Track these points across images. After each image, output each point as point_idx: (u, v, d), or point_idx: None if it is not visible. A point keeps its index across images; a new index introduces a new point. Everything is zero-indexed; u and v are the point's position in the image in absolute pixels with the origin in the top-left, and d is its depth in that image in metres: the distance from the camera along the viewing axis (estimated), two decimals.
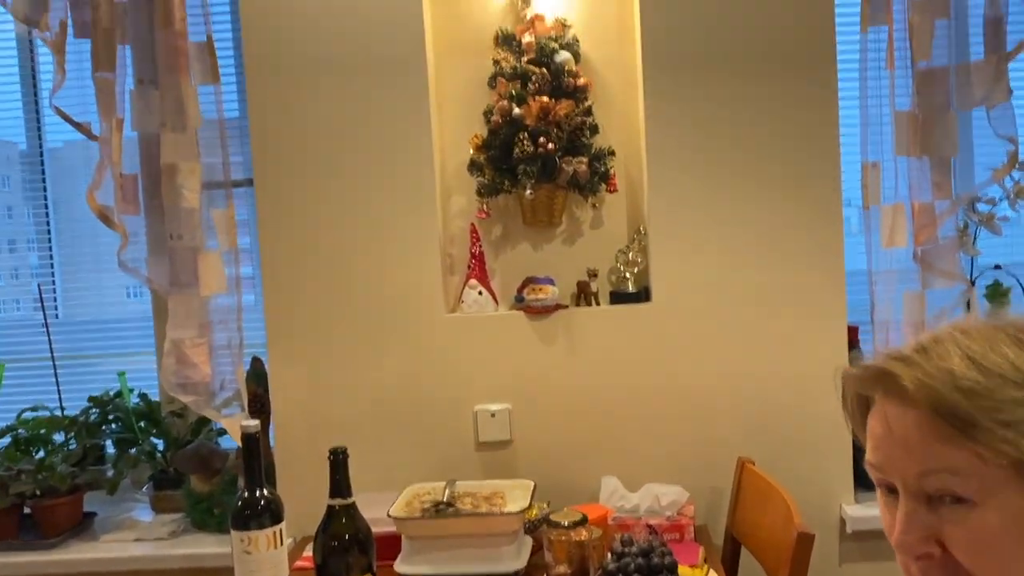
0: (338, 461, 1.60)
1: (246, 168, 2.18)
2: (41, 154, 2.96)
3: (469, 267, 2.18)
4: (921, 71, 1.90)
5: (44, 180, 2.95)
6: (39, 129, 2.93)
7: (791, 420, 2.09)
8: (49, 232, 2.99)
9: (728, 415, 2.10)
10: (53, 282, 2.99)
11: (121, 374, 2.36)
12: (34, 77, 2.86)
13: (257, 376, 2.27)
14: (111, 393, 2.43)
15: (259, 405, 2.25)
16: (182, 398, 2.02)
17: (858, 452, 2.07)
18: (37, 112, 2.91)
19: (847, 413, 0.88)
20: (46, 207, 2.97)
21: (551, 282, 2.14)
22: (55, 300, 2.98)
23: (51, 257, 3.00)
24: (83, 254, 2.93)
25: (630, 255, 2.19)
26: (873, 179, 1.97)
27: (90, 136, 2.00)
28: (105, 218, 1.92)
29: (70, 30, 1.97)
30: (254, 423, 1.57)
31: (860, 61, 1.98)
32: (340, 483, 1.60)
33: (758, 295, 2.08)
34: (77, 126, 2.01)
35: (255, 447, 1.56)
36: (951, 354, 0.74)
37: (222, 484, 2.22)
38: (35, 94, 2.89)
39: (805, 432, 2.08)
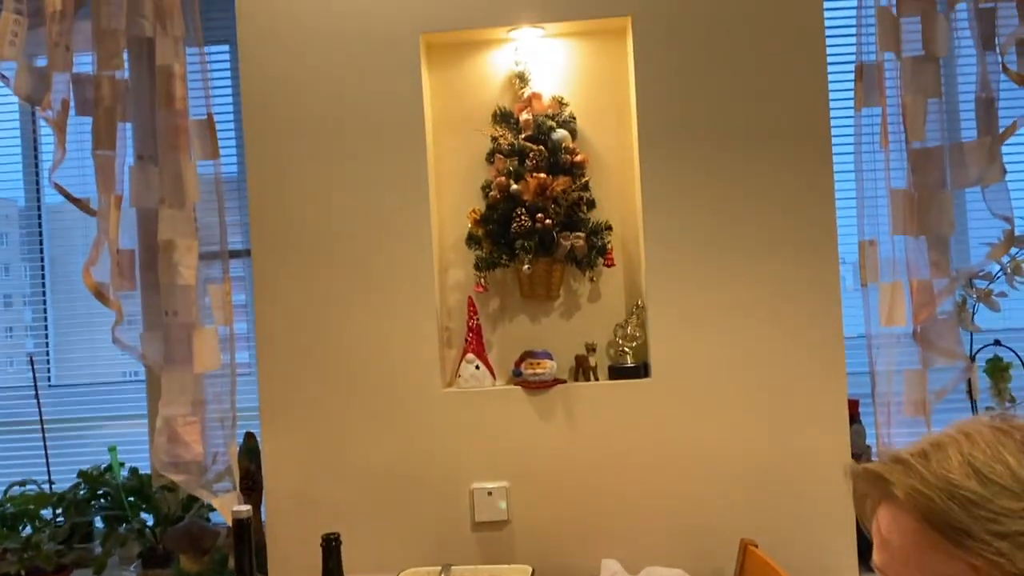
0: (331, 548, 1.57)
1: (243, 236, 2.19)
2: (39, 211, 2.97)
3: (466, 341, 2.17)
4: (915, 151, 1.92)
5: (41, 237, 2.96)
6: (38, 186, 2.96)
7: (793, 497, 2.05)
8: (44, 289, 2.99)
9: (730, 493, 2.07)
10: (46, 341, 2.97)
11: (112, 449, 2.32)
12: (35, 135, 2.89)
13: (250, 452, 2.23)
14: (101, 467, 2.39)
15: (251, 482, 2.21)
16: (173, 477, 1.98)
17: (862, 530, 2.03)
18: (36, 170, 2.94)
19: (856, 506, 0.88)
20: (42, 264, 2.98)
21: (549, 356, 2.13)
22: (47, 361, 2.96)
23: (45, 314, 2.99)
24: (77, 314, 2.92)
25: (628, 329, 2.18)
26: (871, 256, 1.97)
27: (88, 212, 2.00)
28: (100, 295, 1.91)
29: (72, 108, 1.98)
30: (245, 509, 1.53)
31: (855, 140, 2.00)
32: (333, 571, 1.56)
33: (758, 369, 2.07)
34: (76, 202, 2.01)
35: (246, 533, 1.53)
36: (951, 460, 0.74)
37: (212, 564, 2.17)
38: (35, 152, 2.92)
39: (808, 509, 2.05)
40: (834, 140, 2.06)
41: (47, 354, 3.01)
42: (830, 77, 2.07)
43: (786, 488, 2.06)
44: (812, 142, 2.05)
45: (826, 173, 2.05)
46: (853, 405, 2.19)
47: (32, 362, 2.36)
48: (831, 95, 2.07)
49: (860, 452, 2.22)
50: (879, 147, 1.98)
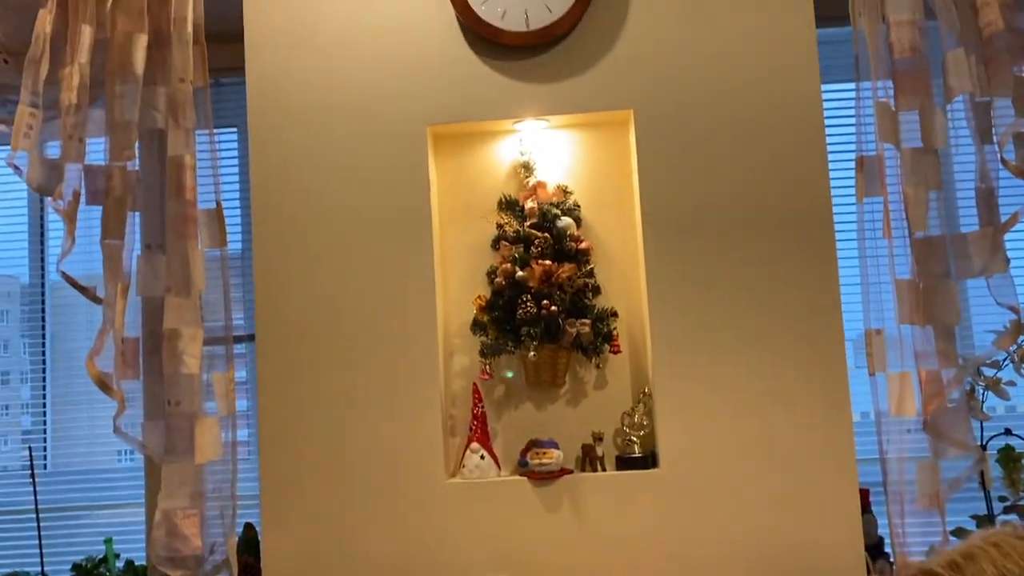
0: None
1: (246, 317, 2.19)
2: (43, 288, 2.97)
3: (471, 429, 2.14)
4: (918, 241, 1.94)
5: (44, 314, 2.95)
6: (43, 262, 2.96)
7: None
8: (44, 367, 2.96)
9: None
10: (44, 420, 2.94)
11: (107, 540, 2.27)
12: (42, 212, 2.91)
13: (249, 544, 2.18)
14: (96, 558, 2.33)
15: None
16: (170, 573, 1.93)
17: None
18: (42, 246, 2.95)
19: None
20: (43, 341, 2.96)
21: (555, 445, 2.10)
22: (44, 442, 2.92)
23: (44, 392, 2.97)
24: (77, 392, 2.89)
25: (635, 417, 2.15)
26: (878, 345, 1.97)
27: (95, 300, 2.00)
28: (104, 385, 1.90)
29: (83, 198, 2.01)
30: None
31: (858, 230, 2.02)
32: None
33: (767, 458, 2.04)
34: (83, 291, 2.02)
35: None
36: (986, 572, 0.73)
37: None
38: (41, 228, 2.94)
39: None
40: (837, 229, 2.08)
41: (44, 434, 2.98)
42: (832, 167, 2.11)
43: None
44: (815, 230, 2.07)
45: (830, 261, 2.06)
46: (864, 495, 2.14)
47: (31, 450, 2.32)
48: (833, 184, 2.10)
49: (873, 543, 2.17)
50: (882, 237, 1.99)
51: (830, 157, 2.11)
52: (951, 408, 1.93)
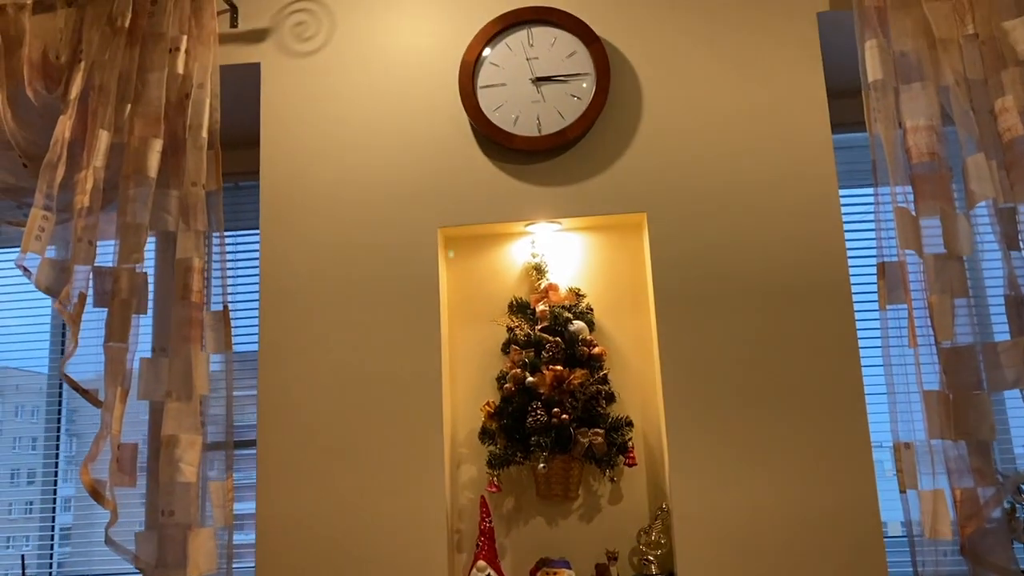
0: None
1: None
2: (61, 387, 2.93)
3: (477, 545, 2.04)
4: (946, 350, 1.85)
5: (60, 408, 2.90)
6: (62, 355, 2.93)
7: None
8: (56, 465, 2.90)
9: None
10: (52, 521, 2.87)
11: None
12: None
13: None
14: None
15: None
16: None
17: None
18: (63, 341, 2.92)
19: None
20: (57, 437, 2.91)
21: (567, 565, 1.98)
22: (51, 546, 2.84)
23: (54, 493, 2.90)
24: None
25: (653, 535, 2.03)
26: (907, 461, 1.85)
27: (96, 404, 1.96)
28: (96, 494, 1.83)
29: (89, 300, 1.99)
30: None
31: (882, 339, 1.93)
32: None
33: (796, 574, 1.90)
34: (84, 394, 1.98)
35: None
36: None
37: None
38: (64, 325, 2.92)
39: None
40: (861, 338, 2.00)
41: (52, 537, 2.90)
42: (852, 272, 2.04)
43: None
44: (837, 335, 1.99)
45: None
46: None
47: (23, 558, 2.24)
48: (855, 291, 2.03)
49: None
50: (908, 346, 1.90)
51: (851, 262, 2.06)
52: (990, 529, 1.80)
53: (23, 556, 2.24)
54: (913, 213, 1.92)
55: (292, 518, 2.01)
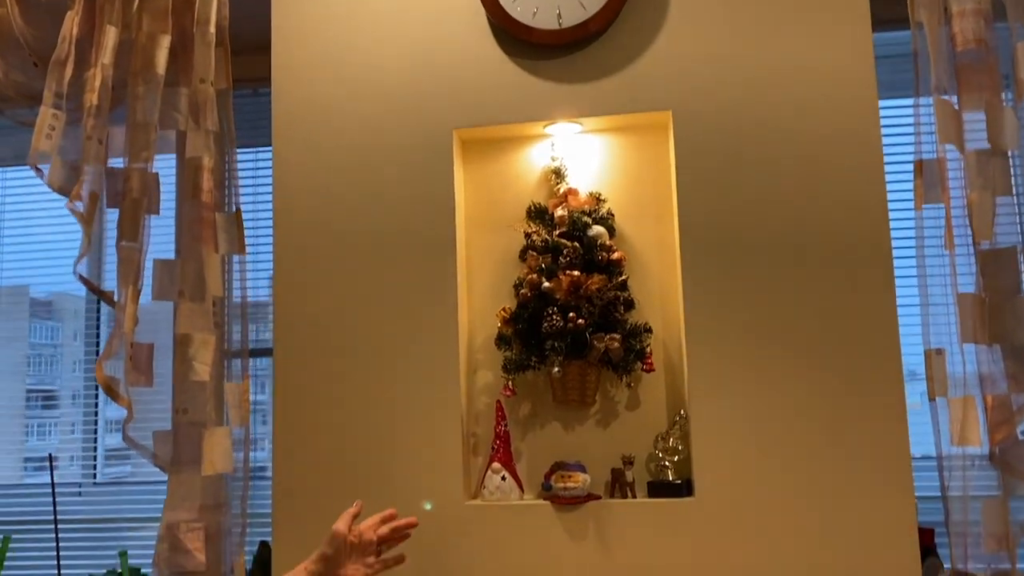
0: None
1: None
2: (98, 303, 2.95)
3: (493, 448, 2.02)
4: (984, 252, 1.75)
5: (99, 330, 2.94)
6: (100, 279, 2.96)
7: None
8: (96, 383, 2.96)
9: None
10: (94, 438, 2.94)
11: (122, 554, 2.21)
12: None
13: (263, 565, 2.09)
14: (117, 571, 2.27)
15: None
16: None
17: None
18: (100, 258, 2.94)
19: None
20: (96, 356, 2.96)
21: (582, 469, 1.96)
22: (94, 458, 2.92)
23: (96, 412, 2.97)
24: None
25: (670, 441, 2.00)
26: (938, 368, 1.78)
27: (111, 304, 1.96)
28: (110, 391, 1.84)
29: (102, 202, 1.98)
30: None
31: (916, 242, 1.84)
32: None
33: (815, 491, 1.86)
34: (100, 294, 1.99)
35: None
36: None
37: None
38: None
39: None
40: (893, 241, 1.90)
41: (94, 451, 2.99)
42: (887, 175, 1.93)
43: None
44: (869, 240, 1.89)
45: (887, 282, 1.88)
46: (928, 535, 1.94)
47: (51, 460, 2.28)
48: (888, 192, 1.92)
49: None
50: (943, 249, 1.81)
51: (884, 163, 1.94)
52: (1022, 439, 1.73)
53: (50, 455, 2.28)
54: (956, 107, 1.80)
55: (307, 425, 2.01)
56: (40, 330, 3.20)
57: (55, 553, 2.28)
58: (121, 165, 2.01)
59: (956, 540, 1.76)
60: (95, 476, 2.96)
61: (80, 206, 1.94)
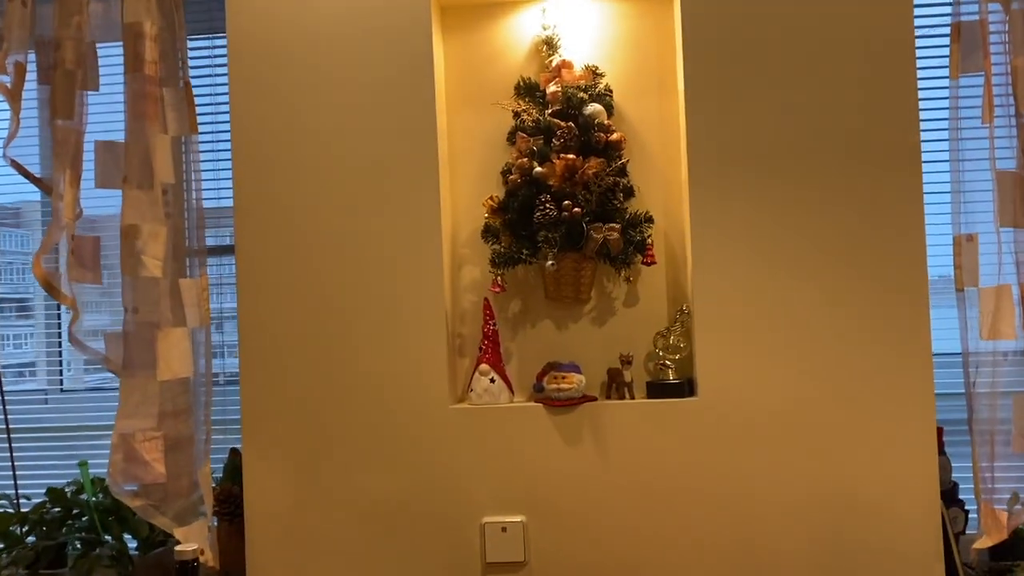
0: None
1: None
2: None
3: (480, 349, 1.87)
4: None
5: None
6: None
7: (867, 541, 1.71)
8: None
9: (789, 535, 1.73)
10: (60, 347, 2.79)
11: (82, 464, 2.05)
12: None
13: (234, 471, 1.95)
14: (79, 481, 2.13)
15: (233, 507, 1.93)
16: (128, 503, 1.70)
17: None
18: None
19: None
20: None
21: (577, 369, 1.82)
22: (60, 365, 2.78)
23: (58, 320, 2.80)
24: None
25: (671, 339, 1.85)
26: (969, 255, 1.62)
27: (47, 191, 1.74)
28: (50, 287, 1.64)
29: (31, 76, 1.73)
30: (191, 548, 1.25)
31: (950, 115, 1.65)
32: None
33: (825, 391, 1.73)
34: (36, 181, 1.76)
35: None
36: None
37: None
38: None
39: (884, 557, 1.70)
40: (922, 114, 1.71)
41: (59, 359, 2.85)
42: (916, 40, 1.73)
43: (858, 531, 1.72)
44: (893, 116, 1.71)
45: (912, 155, 1.70)
46: (938, 434, 1.83)
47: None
48: (918, 60, 1.72)
49: (946, 488, 1.86)
50: (980, 122, 1.62)
51: (916, 30, 1.73)
52: None
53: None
54: None
55: (277, 326, 1.83)
56: (10, 238, 3.03)
57: (10, 464, 2.12)
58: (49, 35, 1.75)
59: (981, 440, 1.64)
60: (61, 384, 2.82)
61: (6, 79, 1.69)
